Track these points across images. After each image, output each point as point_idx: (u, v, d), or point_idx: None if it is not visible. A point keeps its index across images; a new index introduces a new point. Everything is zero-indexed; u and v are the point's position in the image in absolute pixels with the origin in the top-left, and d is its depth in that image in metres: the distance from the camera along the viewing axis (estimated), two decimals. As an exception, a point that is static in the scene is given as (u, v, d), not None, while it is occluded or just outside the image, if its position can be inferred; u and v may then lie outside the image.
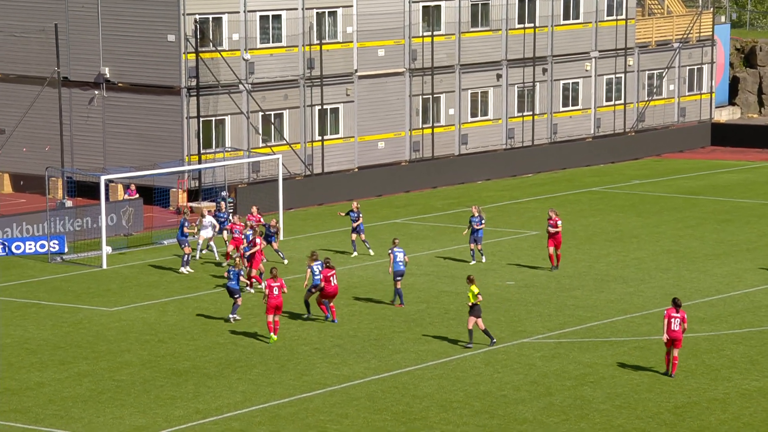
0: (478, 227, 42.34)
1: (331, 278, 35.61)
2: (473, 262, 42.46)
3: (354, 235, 43.98)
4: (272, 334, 34.19)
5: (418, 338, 34.52)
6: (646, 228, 48.72)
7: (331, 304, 36.06)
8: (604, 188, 57.39)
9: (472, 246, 42.63)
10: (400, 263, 37.46)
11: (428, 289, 39.74)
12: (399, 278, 37.44)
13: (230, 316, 36.16)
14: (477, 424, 28.20)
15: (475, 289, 33.32)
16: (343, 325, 35.89)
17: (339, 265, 42.70)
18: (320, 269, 35.78)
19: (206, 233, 43.92)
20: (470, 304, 33.34)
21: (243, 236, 41.40)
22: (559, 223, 41.37)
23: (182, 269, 41.95)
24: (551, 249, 41.53)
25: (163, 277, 41.60)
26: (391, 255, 37.51)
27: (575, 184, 58.53)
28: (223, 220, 44.78)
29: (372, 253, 43.78)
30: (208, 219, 43.93)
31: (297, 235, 47.26)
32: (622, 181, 59.03)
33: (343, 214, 44.70)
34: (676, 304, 30.95)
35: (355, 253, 43.89)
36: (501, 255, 44.19)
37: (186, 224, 42.78)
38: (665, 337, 31.00)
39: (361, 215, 44.10)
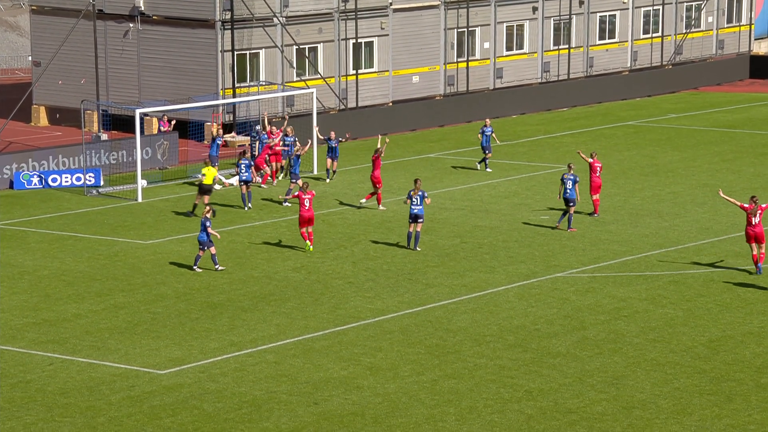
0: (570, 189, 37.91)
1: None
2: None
3: (328, 161, 45.41)
4: (308, 242, 35.49)
5: (451, 272, 34.57)
6: (682, 162, 48.43)
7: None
8: (640, 122, 57.01)
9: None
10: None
11: (462, 223, 39.73)
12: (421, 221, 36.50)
13: (195, 267, 34.85)
14: (510, 358, 28.27)
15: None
16: (377, 259, 35.98)
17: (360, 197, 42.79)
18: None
19: (234, 180, 44.83)
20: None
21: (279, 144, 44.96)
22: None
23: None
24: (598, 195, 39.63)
25: (198, 210, 41.74)
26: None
27: (611, 118, 58.16)
28: (289, 144, 45.70)
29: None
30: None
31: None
32: (658, 114, 58.61)
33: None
34: None
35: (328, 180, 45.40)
36: (535, 189, 44.10)
37: (220, 142, 45.48)
38: None
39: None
